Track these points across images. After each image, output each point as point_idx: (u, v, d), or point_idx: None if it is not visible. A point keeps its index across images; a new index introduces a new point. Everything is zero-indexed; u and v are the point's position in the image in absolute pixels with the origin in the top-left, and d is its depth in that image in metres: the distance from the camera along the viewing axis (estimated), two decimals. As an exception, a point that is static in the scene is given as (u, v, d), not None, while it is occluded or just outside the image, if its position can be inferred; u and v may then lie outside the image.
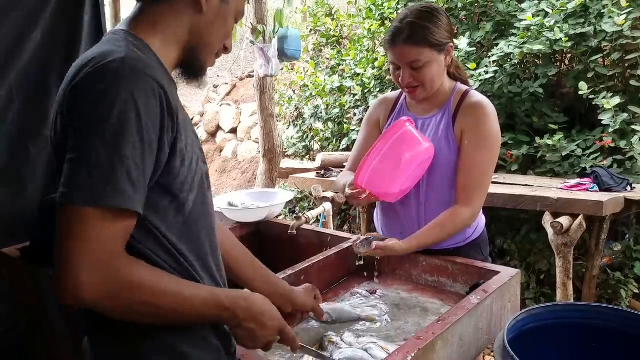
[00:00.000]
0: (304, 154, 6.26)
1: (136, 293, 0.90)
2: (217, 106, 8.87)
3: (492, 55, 4.01)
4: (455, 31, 4.61)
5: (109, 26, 3.16)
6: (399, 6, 5.00)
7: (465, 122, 1.71)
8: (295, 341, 1.19)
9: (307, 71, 6.32)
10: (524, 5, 4.08)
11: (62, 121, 0.94)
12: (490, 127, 1.70)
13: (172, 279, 0.97)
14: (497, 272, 1.61)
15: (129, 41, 0.99)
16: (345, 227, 5.18)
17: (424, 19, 1.65)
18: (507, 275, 1.58)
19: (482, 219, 1.87)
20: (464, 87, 1.80)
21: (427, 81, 1.69)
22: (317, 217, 2.91)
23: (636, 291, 3.42)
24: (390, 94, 2.00)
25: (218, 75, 9.99)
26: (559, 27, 3.70)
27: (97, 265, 0.85)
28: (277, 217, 2.43)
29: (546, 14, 3.86)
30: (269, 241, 2.32)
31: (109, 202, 0.85)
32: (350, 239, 1.97)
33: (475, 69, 4.01)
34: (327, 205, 2.73)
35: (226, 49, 1.16)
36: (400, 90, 1.90)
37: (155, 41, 1.03)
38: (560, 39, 3.66)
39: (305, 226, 2.17)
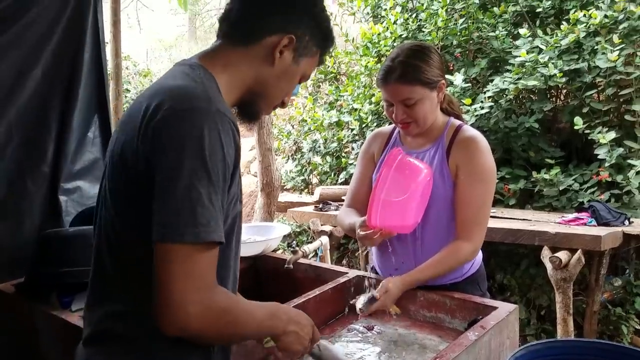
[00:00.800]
0: (302, 187, 6.27)
1: (225, 318, 0.97)
2: (217, 141, 8.91)
3: (487, 90, 4.06)
4: (451, 67, 4.68)
5: (109, 63, 3.22)
6: (394, 44, 5.08)
7: (459, 157, 1.72)
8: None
9: (306, 106, 6.38)
10: (518, 42, 4.15)
11: (141, 154, 0.95)
12: (484, 161, 1.72)
13: (241, 299, 1.08)
14: (495, 308, 1.59)
15: (205, 77, 1.04)
16: (344, 262, 5.15)
17: (415, 57, 1.68)
18: (504, 310, 1.57)
19: (479, 254, 1.86)
20: (457, 122, 1.82)
21: (420, 118, 1.71)
22: (315, 251, 2.90)
23: (638, 327, 3.38)
24: (385, 128, 2.01)
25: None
26: (553, 63, 3.77)
27: (201, 297, 0.91)
28: (274, 251, 2.42)
29: (540, 51, 3.93)
30: (265, 275, 2.30)
31: (213, 237, 0.92)
32: (347, 273, 1.95)
33: (471, 105, 4.06)
34: (324, 239, 2.73)
35: (283, 104, 1.23)
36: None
37: (223, 79, 1.08)
38: (555, 74, 3.71)
39: (302, 260, 2.16)
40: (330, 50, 1.26)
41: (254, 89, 1.13)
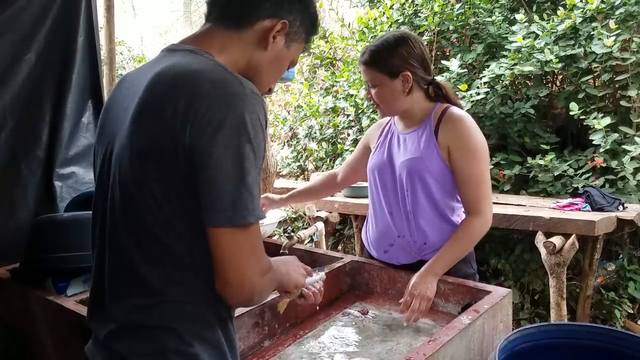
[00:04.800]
0: (298, 173, 6.27)
1: (272, 278, 1.06)
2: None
3: (484, 76, 4.04)
4: (447, 53, 4.66)
5: (103, 48, 3.19)
6: (391, 29, 5.05)
7: (449, 137, 1.76)
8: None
9: (302, 92, 6.35)
10: (514, 28, 4.13)
11: (180, 146, 0.94)
12: (474, 138, 1.76)
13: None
14: (488, 292, 1.61)
15: (217, 61, 1.04)
16: (340, 247, 5.16)
17: (383, 46, 1.78)
18: (498, 294, 1.58)
19: None
20: (445, 105, 1.86)
21: (381, 102, 1.82)
22: (310, 236, 2.91)
23: (630, 311, 3.41)
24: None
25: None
26: (549, 49, 3.75)
27: (261, 267, 1.01)
28: (270, 236, 2.42)
29: (536, 36, 3.91)
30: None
31: (262, 215, 0.99)
32: (342, 258, 1.97)
33: (467, 90, 4.05)
34: (320, 225, 2.73)
35: (270, 90, 1.24)
36: None
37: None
38: (551, 60, 3.70)
39: (297, 246, 2.17)
40: (315, 36, 1.27)
41: (246, 74, 1.10)
